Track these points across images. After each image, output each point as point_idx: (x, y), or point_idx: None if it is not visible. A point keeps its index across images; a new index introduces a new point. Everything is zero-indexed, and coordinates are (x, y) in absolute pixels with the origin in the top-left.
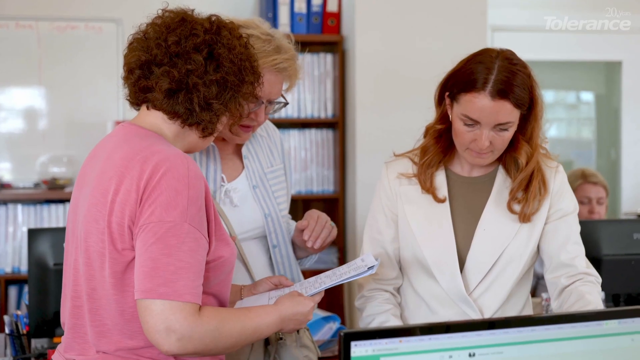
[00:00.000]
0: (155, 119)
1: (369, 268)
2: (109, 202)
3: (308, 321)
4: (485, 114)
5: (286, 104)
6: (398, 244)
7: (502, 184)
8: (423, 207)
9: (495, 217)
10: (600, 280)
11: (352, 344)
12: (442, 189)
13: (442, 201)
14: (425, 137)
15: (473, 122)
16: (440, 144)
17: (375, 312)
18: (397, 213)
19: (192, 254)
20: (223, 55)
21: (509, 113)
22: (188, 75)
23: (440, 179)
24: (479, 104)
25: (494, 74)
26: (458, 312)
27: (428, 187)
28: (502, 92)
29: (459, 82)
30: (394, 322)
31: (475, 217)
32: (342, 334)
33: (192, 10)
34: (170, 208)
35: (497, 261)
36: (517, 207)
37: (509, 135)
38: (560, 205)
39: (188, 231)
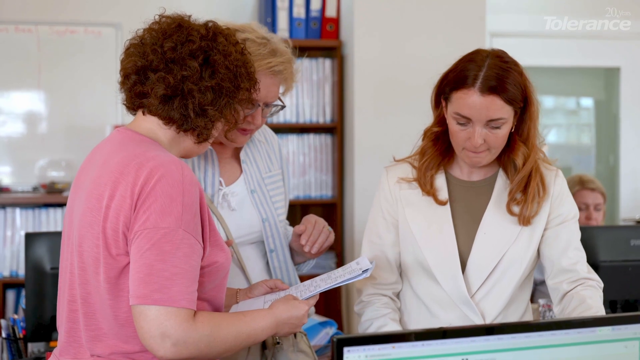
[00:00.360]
0: (150, 124)
1: (364, 271)
2: (103, 208)
3: (303, 324)
4: (476, 110)
5: (283, 107)
6: (398, 248)
7: (502, 188)
8: (423, 210)
9: (495, 220)
10: (601, 285)
11: (345, 349)
12: (443, 191)
13: (443, 203)
14: (423, 140)
15: (465, 120)
16: (437, 146)
17: (373, 316)
18: (397, 217)
19: (186, 260)
20: (219, 62)
21: (500, 109)
22: (183, 82)
23: (440, 182)
24: (469, 100)
25: (484, 70)
26: (459, 315)
27: (428, 190)
28: (492, 87)
29: (451, 81)
30: (392, 326)
31: (476, 221)
32: (334, 339)
33: (189, 16)
34: (164, 214)
35: (497, 265)
36: (516, 209)
37: (502, 133)
38: (561, 211)
39: (183, 237)
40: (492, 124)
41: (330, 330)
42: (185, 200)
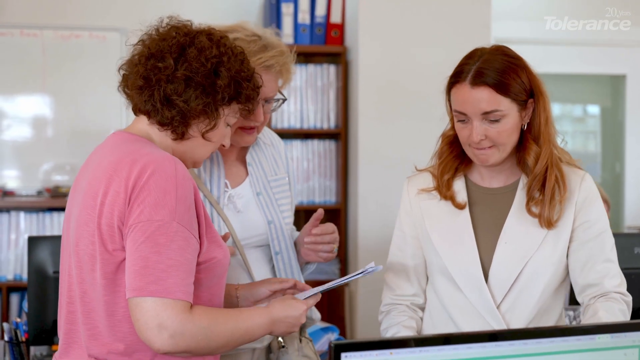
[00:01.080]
0: (142, 124)
1: (364, 271)
2: (98, 205)
3: (300, 324)
4: (469, 103)
5: (284, 100)
6: (420, 260)
7: (524, 193)
8: (444, 219)
9: (517, 228)
10: (628, 298)
11: (343, 355)
12: (461, 194)
13: (461, 206)
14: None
15: (464, 116)
16: (452, 148)
17: (389, 324)
18: (417, 230)
19: (181, 252)
20: (192, 56)
21: (493, 100)
22: (154, 72)
23: (459, 185)
24: (461, 93)
25: (478, 63)
26: (485, 327)
27: (445, 193)
28: (482, 79)
29: (450, 79)
30: (404, 333)
31: (498, 229)
32: (332, 344)
33: (190, 22)
34: (158, 207)
35: (520, 274)
36: (535, 210)
37: (504, 128)
38: (587, 217)
39: (177, 230)
40: (489, 117)
41: (332, 336)
42: (178, 194)
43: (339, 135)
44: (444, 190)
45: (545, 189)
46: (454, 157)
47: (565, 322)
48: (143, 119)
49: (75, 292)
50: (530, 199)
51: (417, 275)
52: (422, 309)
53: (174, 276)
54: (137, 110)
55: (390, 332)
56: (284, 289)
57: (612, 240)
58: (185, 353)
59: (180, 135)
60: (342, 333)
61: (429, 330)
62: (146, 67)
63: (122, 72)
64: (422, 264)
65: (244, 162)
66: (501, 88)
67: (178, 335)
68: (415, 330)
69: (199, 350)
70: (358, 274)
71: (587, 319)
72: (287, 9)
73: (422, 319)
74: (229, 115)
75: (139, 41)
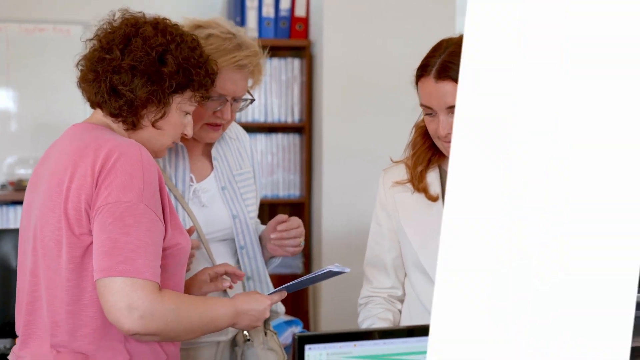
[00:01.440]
0: (99, 115)
1: (328, 271)
2: (64, 190)
3: (264, 318)
4: (434, 97)
5: (252, 100)
6: (397, 253)
7: None
8: (418, 212)
9: None
10: None
11: (306, 347)
12: (434, 186)
13: (434, 199)
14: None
15: (430, 110)
16: (425, 139)
17: (365, 317)
18: (393, 222)
19: (149, 234)
20: (136, 45)
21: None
22: (101, 64)
23: (432, 177)
24: (426, 87)
25: (442, 56)
26: None
27: (418, 186)
28: (444, 72)
29: (416, 72)
30: (379, 325)
31: None
32: (296, 337)
33: (142, 14)
34: (126, 190)
35: None
36: None
37: None
38: None
39: (144, 211)
40: (454, 110)
41: (296, 329)
42: (145, 178)
43: (303, 129)
44: (417, 183)
45: None
46: (427, 147)
47: None
48: (99, 111)
49: (38, 281)
50: None
51: (395, 268)
52: (401, 301)
53: (142, 257)
54: (92, 104)
55: (366, 323)
56: (218, 290)
57: None
58: (153, 336)
59: (131, 125)
60: (306, 327)
61: (407, 323)
62: (95, 60)
63: (80, 67)
64: (400, 256)
65: (209, 157)
66: None
67: (148, 315)
68: (392, 322)
69: (167, 333)
70: (322, 272)
71: None
72: (251, 3)
73: (400, 311)
74: (183, 103)
75: (94, 36)
